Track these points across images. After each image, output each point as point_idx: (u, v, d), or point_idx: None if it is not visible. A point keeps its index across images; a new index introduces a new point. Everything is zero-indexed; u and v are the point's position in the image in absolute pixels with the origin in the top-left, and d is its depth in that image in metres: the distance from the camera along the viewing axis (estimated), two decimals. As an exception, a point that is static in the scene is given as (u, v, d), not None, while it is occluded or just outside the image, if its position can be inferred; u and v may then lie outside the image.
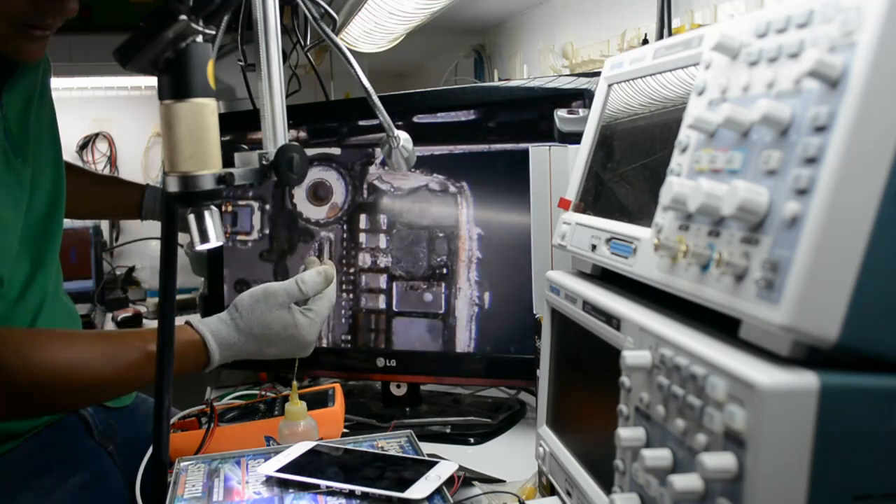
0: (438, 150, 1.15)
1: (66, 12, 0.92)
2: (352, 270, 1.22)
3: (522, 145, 1.07)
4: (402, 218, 1.18)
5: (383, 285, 1.20)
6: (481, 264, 1.13)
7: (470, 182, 1.14)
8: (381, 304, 1.20)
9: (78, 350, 0.90)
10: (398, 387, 1.22)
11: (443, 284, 1.16)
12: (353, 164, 1.22)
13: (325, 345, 1.24)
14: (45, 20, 0.91)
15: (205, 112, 0.66)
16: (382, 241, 1.20)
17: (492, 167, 1.12)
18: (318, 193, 1.24)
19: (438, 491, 0.79)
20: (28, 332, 0.95)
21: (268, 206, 1.29)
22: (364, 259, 1.21)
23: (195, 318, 0.96)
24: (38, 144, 1.03)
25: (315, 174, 1.24)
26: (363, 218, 1.21)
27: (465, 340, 1.14)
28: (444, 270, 1.16)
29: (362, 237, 1.21)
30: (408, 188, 1.18)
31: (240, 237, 1.30)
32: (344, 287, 1.22)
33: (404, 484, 0.79)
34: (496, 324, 1.13)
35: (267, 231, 1.29)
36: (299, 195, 1.26)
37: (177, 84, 0.65)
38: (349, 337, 1.22)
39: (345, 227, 1.23)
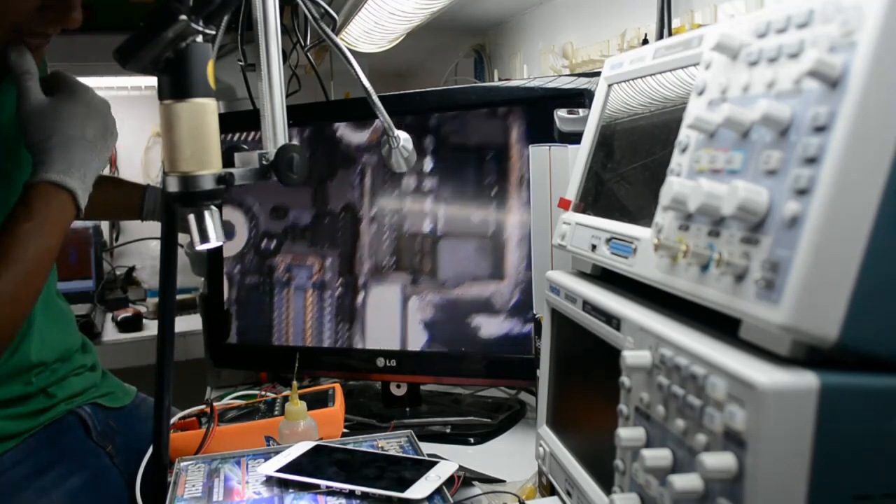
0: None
1: (70, 23, 0.91)
2: (395, 193, 1.18)
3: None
4: (450, 139, 1.14)
5: (428, 208, 1.16)
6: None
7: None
8: (426, 228, 1.16)
9: None
10: (398, 387, 1.22)
11: (492, 205, 1.11)
12: None
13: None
14: (46, 29, 0.91)
15: (205, 112, 0.67)
16: (428, 164, 1.15)
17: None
18: None
19: (438, 491, 0.79)
20: None
21: (307, 131, 1.24)
22: (408, 183, 1.17)
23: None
24: None
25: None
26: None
27: (514, 262, 1.10)
28: (494, 191, 1.11)
29: None
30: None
31: None
32: (387, 211, 1.18)
33: (404, 484, 0.79)
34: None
35: (306, 155, 1.26)
36: None
37: (177, 84, 0.65)
38: (394, 259, 1.18)
39: None
